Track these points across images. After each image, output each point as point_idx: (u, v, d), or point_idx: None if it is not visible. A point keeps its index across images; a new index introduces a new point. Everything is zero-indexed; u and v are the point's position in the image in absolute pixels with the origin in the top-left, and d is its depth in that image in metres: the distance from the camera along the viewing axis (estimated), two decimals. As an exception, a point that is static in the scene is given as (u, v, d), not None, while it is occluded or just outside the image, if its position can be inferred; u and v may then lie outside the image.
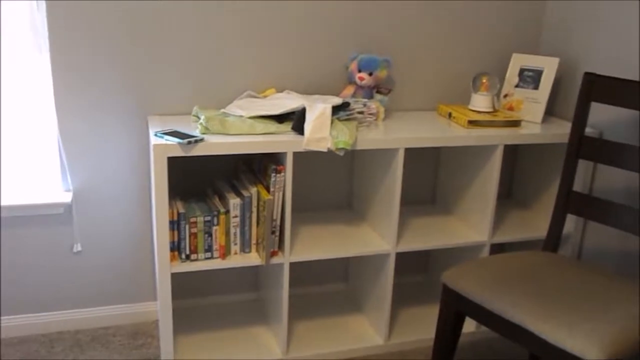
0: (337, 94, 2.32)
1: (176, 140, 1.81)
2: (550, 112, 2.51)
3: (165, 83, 2.16)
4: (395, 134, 2.06)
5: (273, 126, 1.99)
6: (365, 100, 2.20)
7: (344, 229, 2.30)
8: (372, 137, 2.01)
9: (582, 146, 1.99)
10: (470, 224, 2.35)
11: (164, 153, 1.81)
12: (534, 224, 2.43)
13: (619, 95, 1.92)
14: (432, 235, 2.27)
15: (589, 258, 2.36)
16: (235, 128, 1.94)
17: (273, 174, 1.95)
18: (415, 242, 2.20)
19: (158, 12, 2.09)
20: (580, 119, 1.99)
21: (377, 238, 2.22)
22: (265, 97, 2.22)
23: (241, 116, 2.03)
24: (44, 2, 1.98)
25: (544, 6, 2.53)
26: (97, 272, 2.30)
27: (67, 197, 2.15)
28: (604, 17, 2.25)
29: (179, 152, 1.81)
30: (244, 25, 2.19)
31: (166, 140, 1.83)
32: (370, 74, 2.23)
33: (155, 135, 1.87)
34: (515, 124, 2.24)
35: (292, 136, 1.95)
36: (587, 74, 1.97)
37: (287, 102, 2.09)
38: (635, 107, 1.88)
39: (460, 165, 2.40)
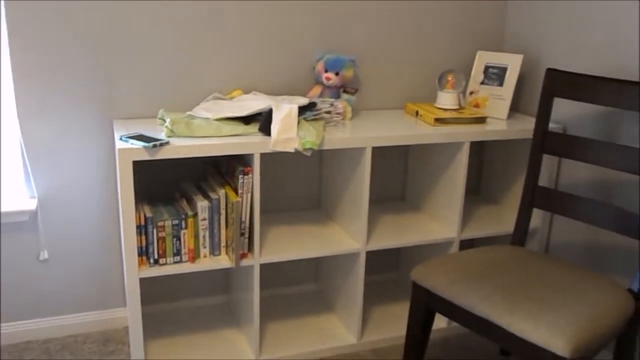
0: (304, 95, 2.32)
1: (141, 143, 1.79)
2: (516, 108, 2.55)
3: (130, 86, 2.14)
4: (363, 133, 2.07)
5: (240, 128, 1.98)
6: (332, 100, 2.21)
7: (313, 229, 2.30)
8: (340, 137, 2.01)
9: (546, 141, 2.02)
10: (440, 221, 2.37)
11: (130, 157, 1.79)
12: (503, 219, 2.46)
13: (580, 90, 1.95)
14: (401, 232, 2.28)
15: (556, 252, 2.40)
16: (202, 130, 1.93)
17: (241, 176, 1.94)
18: (385, 240, 2.21)
19: (122, 15, 2.06)
20: (543, 115, 2.02)
21: (346, 237, 2.23)
22: (231, 98, 2.21)
23: (207, 118, 2.02)
24: (1, 3, 1.94)
25: (506, 4, 2.56)
26: (65, 279, 2.26)
27: (31, 204, 2.11)
28: (565, 13, 2.29)
29: (145, 156, 1.80)
30: (209, 27, 2.18)
31: (131, 144, 1.81)
32: (337, 74, 2.23)
33: (121, 139, 1.85)
34: (481, 120, 2.27)
35: (259, 137, 1.94)
36: (549, 70, 2.00)
37: (254, 103, 2.09)
38: (596, 101, 1.91)
39: (428, 162, 2.42)
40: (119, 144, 1.81)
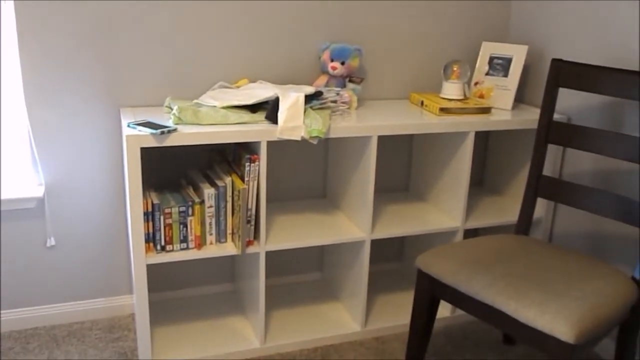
0: (310, 84, 2.33)
1: (149, 130, 1.80)
2: (520, 99, 2.56)
3: (138, 74, 2.15)
4: (368, 122, 2.08)
5: (246, 116, 1.99)
6: (338, 89, 2.22)
7: (318, 217, 2.31)
8: (346, 125, 2.02)
9: (550, 131, 2.03)
10: (444, 210, 2.38)
11: (137, 144, 1.80)
12: (506, 209, 2.48)
13: (585, 80, 1.96)
14: (406, 221, 2.30)
15: (560, 241, 2.41)
16: (209, 118, 1.94)
17: (247, 164, 1.96)
18: (390, 229, 2.22)
19: (129, 2, 2.07)
20: (548, 105, 2.03)
21: (352, 226, 2.24)
22: (238, 87, 2.22)
23: (214, 106, 2.03)
24: (11, -7, 1.95)
25: (512, -5, 2.57)
26: (72, 266, 2.28)
27: (39, 191, 2.13)
28: (569, 3, 2.29)
29: (153, 143, 1.81)
30: (216, 15, 2.19)
31: (139, 130, 1.82)
32: (343, 63, 2.24)
33: (128, 126, 1.86)
34: (486, 111, 2.28)
35: (266, 125, 1.96)
36: (554, 60, 2.01)
37: (260, 91, 2.10)
38: (600, 91, 1.92)
39: (433, 152, 2.43)
40: (127, 131, 1.82)
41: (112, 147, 2.20)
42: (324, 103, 2.11)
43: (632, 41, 2.06)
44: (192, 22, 2.16)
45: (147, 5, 2.09)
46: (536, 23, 2.46)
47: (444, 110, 2.22)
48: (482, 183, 2.78)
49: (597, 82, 1.93)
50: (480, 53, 2.49)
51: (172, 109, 2.00)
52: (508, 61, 2.41)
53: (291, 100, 1.97)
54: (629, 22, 2.06)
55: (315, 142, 1.95)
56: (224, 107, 2.02)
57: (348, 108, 2.23)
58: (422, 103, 2.36)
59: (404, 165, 2.62)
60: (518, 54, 2.40)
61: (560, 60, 2.00)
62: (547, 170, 2.33)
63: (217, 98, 2.09)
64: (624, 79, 1.87)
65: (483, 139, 2.72)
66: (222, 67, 2.25)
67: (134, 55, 2.13)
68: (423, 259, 1.87)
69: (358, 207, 2.21)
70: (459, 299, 1.78)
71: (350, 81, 2.30)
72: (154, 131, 1.80)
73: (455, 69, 2.37)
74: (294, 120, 1.94)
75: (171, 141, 1.82)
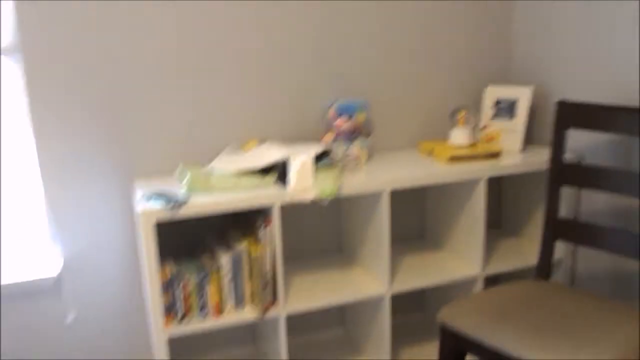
0: (318, 140, 2.35)
1: (162, 203, 1.81)
2: (530, 139, 2.55)
3: (149, 143, 2.18)
4: (379, 176, 2.08)
5: (258, 180, 2.00)
6: (347, 145, 2.23)
7: (336, 274, 2.30)
8: (356, 182, 2.03)
9: (562, 172, 2.02)
10: (462, 257, 2.36)
11: (151, 218, 1.81)
12: (526, 251, 2.45)
13: (591, 120, 1.95)
14: (425, 273, 2.27)
15: (583, 283, 2.37)
16: (220, 185, 1.96)
17: (261, 228, 1.96)
18: (409, 282, 2.20)
19: (137, 73, 2.11)
20: (557, 147, 2.02)
21: (370, 281, 2.22)
22: (248, 149, 2.24)
23: (225, 172, 2.05)
24: (22, 64, 1.99)
25: (511, 37, 2.59)
26: (91, 340, 2.27)
27: (56, 268, 2.14)
28: (571, 43, 2.31)
29: (166, 216, 1.82)
30: (222, 79, 2.22)
31: (152, 204, 1.83)
32: (349, 119, 2.26)
33: (142, 199, 1.88)
34: (496, 155, 2.28)
35: (278, 189, 1.96)
36: (559, 102, 2.01)
37: (270, 154, 2.11)
38: (608, 130, 1.91)
39: (446, 199, 2.43)
40: (140, 205, 1.84)
41: (127, 218, 2.21)
42: (333, 161, 2.12)
43: (635, 76, 2.06)
44: (199, 86, 2.20)
45: (154, 75, 2.13)
46: (539, 63, 2.47)
47: (454, 158, 2.22)
48: (499, 225, 2.75)
49: (604, 121, 1.92)
50: (486, 97, 2.50)
51: (184, 177, 2.02)
52: (513, 103, 2.42)
53: (300, 162, 1.98)
54: (631, 56, 2.07)
55: (326, 203, 1.96)
56: (235, 173, 2.03)
57: (357, 163, 2.24)
58: (431, 152, 2.36)
59: (418, 214, 2.61)
60: (523, 96, 2.40)
61: (565, 102, 2.00)
62: (564, 211, 2.31)
63: (227, 163, 2.11)
64: (630, 117, 1.86)
65: (496, 180, 2.70)
66: (231, 130, 2.28)
67: (144, 125, 2.16)
68: (445, 313, 1.84)
69: (375, 261, 2.20)
70: (486, 353, 1.74)
71: (358, 136, 2.31)
72: (166, 204, 1.81)
73: (461, 115, 2.37)
74: (305, 182, 1.95)
75: (184, 212, 1.83)
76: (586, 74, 2.25)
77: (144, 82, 2.13)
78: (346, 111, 2.27)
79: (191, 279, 1.95)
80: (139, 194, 1.95)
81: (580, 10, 2.25)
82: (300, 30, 2.29)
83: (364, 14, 2.36)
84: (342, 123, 2.26)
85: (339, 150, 2.17)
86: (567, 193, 2.32)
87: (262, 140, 2.31)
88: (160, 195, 1.89)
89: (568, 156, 2.28)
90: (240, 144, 2.29)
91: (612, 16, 2.12)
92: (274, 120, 2.33)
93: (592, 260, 2.32)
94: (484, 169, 2.18)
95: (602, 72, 2.19)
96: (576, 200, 2.35)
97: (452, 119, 2.38)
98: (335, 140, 2.29)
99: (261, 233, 1.96)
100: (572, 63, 2.31)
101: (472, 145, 2.36)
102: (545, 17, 2.41)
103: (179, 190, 1.97)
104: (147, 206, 1.82)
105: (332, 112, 2.29)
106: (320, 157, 2.07)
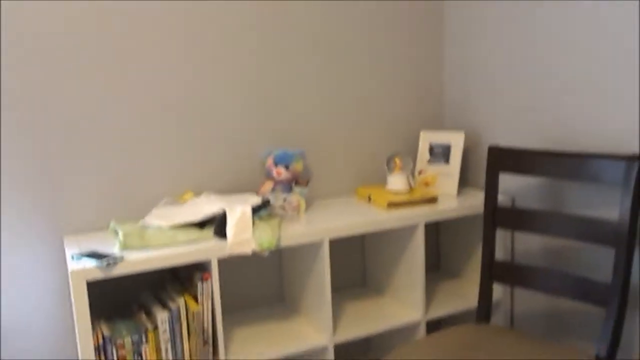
0: (256, 190, 2.33)
1: (94, 262, 1.75)
2: (464, 182, 2.61)
3: (79, 198, 2.11)
4: (319, 225, 2.08)
5: (195, 233, 1.96)
6: (285, 194, 2.22)
7: (279, 325, 2.25)
8: (296, 232, 2.01)
9: (497, 216, 2.07)
10: (403, 303, 2.36)
11: (83, 278, 1.74)
12: (466, 293, 2.47)
13: (522, 164, 2.02)
14: (367, 320, 2.26)
15: (522, 322, 2.41)
16: (156, 240, 1.90)
17: (199, 282, 1.91)
18: (352, 331, 2.18)
19: (66, 124, 2.05)
20: (491, 191, 2.07)
21: (313, 331, 2.19)
22: (184, 202, 2.20)
23: (161, 226, 1.99)
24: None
25: (443, 84, 2.67)
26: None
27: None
28: (499, 89, 2.39)
29: (99, 275, 1.75)
30: (155, 129, 2.19)
31: (84, 263, 1.76)
32: (287, 168, 2.26)
33: (73, 258, 1.80)
34: (433, 200, 2.31)
35: (215, 242, 1.93)
36: (490, 148, 2.07)
37: (207, 206, 2.08)
38: (538, 173, 1.98)
39: (386, 245, 2.44)
40: (71, 264, 1.76)
41: (58, 277, 2.12)
42: (272, 211, 2.10)
43: (562, 119, 2.14)
44: (131, 138, 2.15)
45: (83, 125, 2.08)
46: (470, 109, 2.55)
47: (392, 204, 2.24)
48: (438, 267, 2.78)
49: (534, 165, 1.99)
50: (420, 142, 2.55)
51: (117, 233, 1.96)
52: (448, 148, 2.48)
53: (239, 213, 1.95)
54: (556, 102, 2.16)
55: (266, 254, 1.93)
56: (171, 227, 1.98)
57: (297, 213, 2.23)
58: (369, 198, 2.38)
59: (358, 260, 2.61)
60: (456, 141, 2.46)
61: (497, 147, 2.07)
62: (500, 253, 2.36)
63: (163, 217, 2.06)
64: (557, 161, 1.93)
65: (434, 223, 2.74)
66: (166, 182, 2.24)
67: (74, 180, 2.09)
68: (388, 363, 1.83)
69: (317, 310, 2.17)
70: (429, 402, 1.73)
71: (296, 184, 2.31)
72: (99, 262, 1.74)
73: (397, 161, 2.41)
74: (243, 235, 1.92)
75: (119, 270, 1.77)
76: (514, 118, 2.34)
77: (73, 134, 2.07)
78: (283, 160, 2.27)
79: (127, 340, 1.87)
80: (70, 252, 1.87)
81: (506, 58, 2.34)
82: (235, 79, 2.29)
83: (299, 62, 2.38)
84: (280, 172, 2.25)
85: (277, 200, 2.16)
86: (502, 235, 2.37)
87: (198, 192, 2.28)
88: (92, 254, 1.82)
89: (501, 199, 2.34)
90: (176, 197, 2.25)
91: (539, 63, 2.22)
92: (209, 171, 2.30)
93: (529, 301, 2.37)
94: (422, 214, 2.20)
95: (529, 117, 2.27)
96: (511, 242, 2.41)
97: (388, 165, 2.41)
98: (273, 190, 2.27)
99: (200, 288, 1.91)
100: (501, 108, 2.39)
101: (410, 190, 2.39)
102: (473, 64, 2.50)
103: (113, 247, 1.90)
104: (78, 265, 1.75)
105: (269, 160, 2.29)
106: (258, 208, 2.05)
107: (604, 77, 1.99)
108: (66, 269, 2.11)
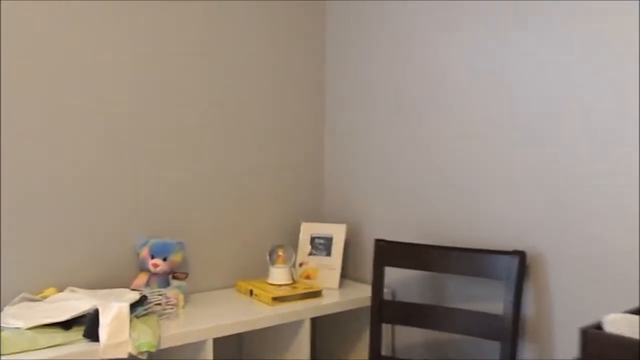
0: (128, 284, 2.12)
1: None
2: (345, 275, 2.58)
3: None
4: (200, 323, 1.94)
5: (59, 335, 1.72)
6: (163, 289, 2.05)
7: None
8: (177, 332, 1.86)
9: (382, 311, 2.05)
10: (286, 405, 2.23)
11: None
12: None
13: (409, 258, 2.05)
14: None
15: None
16: (12, 346, 1.65)
17: (64, 393, 1.66)
18: None
19: None
20: (378, 285, 2.07)
21: None
22: (44, 298, 1.95)
23: (18, 328, 1.74)
24: None
25: (323, 175, 2.68)
26: None
27: None
28: (379, 181, 2.44)
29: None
30: (9, 215, 1.94)
31: None
32: (165, 259, 2.11)
33: None
34: (317, 294, 2.26)
35: (85, 345, 1.71)
36: (377, 241, 2.08)
37: (74, 303, 1.86)
38: (425, 268, 2.01)
39: (269, 340, 2.31)
40: None
41: None
42: (149, 308, 1.92)
43: (442, 214, 2.21)
44: (-15, 230, 1.89)
45: None
46: (350, 201, 2.57)
47: (277, 299, 2.15)
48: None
49: (420, 259, 2.02)
50: (301, 234, 2.51)
51: (-38, 338, 1.67)
52: (329, 240, 2.46)
53: (114, 311, 1.76)
54: (435, 197, 2.23)
55: (144, 357, 1.74)
56: (30, 328, 1.73)
57: (175, 308, 2.05)
58: (251, 292, 2.26)
59: (241, 358, 2.45)
60: (337, 233, 2.46)
61: (384, 240, 2.08)
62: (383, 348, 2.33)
63: (20, 317, 1.80)
64: (444, 255, 1.98)
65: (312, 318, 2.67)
66: (23, 275, 1.97)
67: None
68: None
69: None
70: None
71: (174, 277, 2.15)
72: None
73: (280, 253, 2.35)
74: (119, 336, 1.72)
75: (-36, 384, 1.49)
76: (392, 212, 2.38)
77: None
78: (161, 251, 2.11)
79: None
80: None
81: (385, 154, 2.41)
82: (106, 164, 2.13)
83: (176, 151, 2.29)
84: (157, 264, 2.09)
85: (154, 296, 1.98)
86: (384, 328, 2.35)
87: (62, 287, 2.03)
88: None
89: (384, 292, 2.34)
90: (35, 292, 1.98)
91: (416, 154, 2.30)
92: (75, 263, 2.07)
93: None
94: (308, 309, 2.14)
95: (409, 210, 2.33)
96: (392, 335, 2.39)
97: (271, 257, 2.34)
98: (148, 283, 2.10)
99: (63, 400, 1.66)
100: (380, 201, 2.43)
101: (292, 283, 2.32)
102: (353, 160, 2.54)
103: (-43, 354, 1.61)
104: None
105: (144, 251, 2.12)
106: (134, 305, 1.86)
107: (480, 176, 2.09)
108: None
